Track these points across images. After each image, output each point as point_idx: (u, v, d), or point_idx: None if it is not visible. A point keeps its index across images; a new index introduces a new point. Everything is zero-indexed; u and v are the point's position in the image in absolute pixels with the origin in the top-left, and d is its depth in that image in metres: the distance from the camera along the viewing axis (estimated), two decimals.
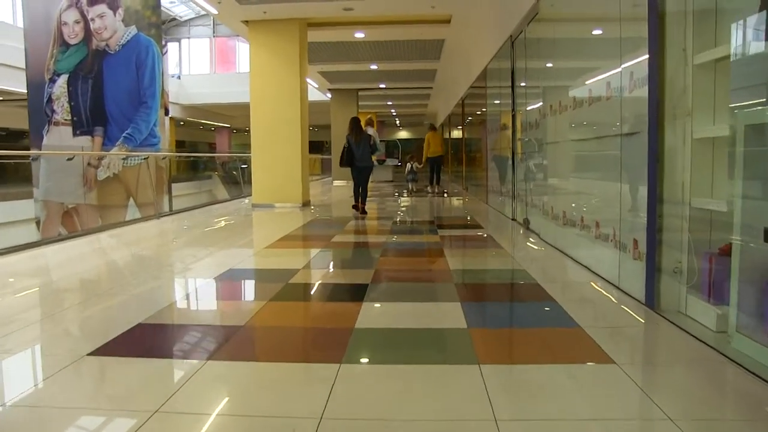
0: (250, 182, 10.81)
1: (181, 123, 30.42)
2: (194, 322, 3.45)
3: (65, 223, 11.27)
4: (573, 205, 5.17)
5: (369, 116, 11.73)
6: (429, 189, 14.56)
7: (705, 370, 2.46)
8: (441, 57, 13.99)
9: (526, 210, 6.92)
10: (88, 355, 2.61)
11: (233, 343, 2.87)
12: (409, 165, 17.14)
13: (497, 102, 9.26)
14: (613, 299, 3.62)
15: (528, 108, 6.87)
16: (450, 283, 4.18)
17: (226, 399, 2.24)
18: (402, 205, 11.53)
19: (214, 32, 30.19)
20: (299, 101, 10.23)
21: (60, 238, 7.21)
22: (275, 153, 10.23)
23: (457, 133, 17.71)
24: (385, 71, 16.35)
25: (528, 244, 6.11)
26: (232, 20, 10.36)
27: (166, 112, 12.58)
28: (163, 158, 12.10)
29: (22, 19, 12.55)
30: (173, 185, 12.74)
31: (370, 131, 9.42)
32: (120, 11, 11.64)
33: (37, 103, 11.55)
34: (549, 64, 6.21)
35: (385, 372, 2.48)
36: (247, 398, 2.24)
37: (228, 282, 4.40)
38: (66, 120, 11.47)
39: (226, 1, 9.06)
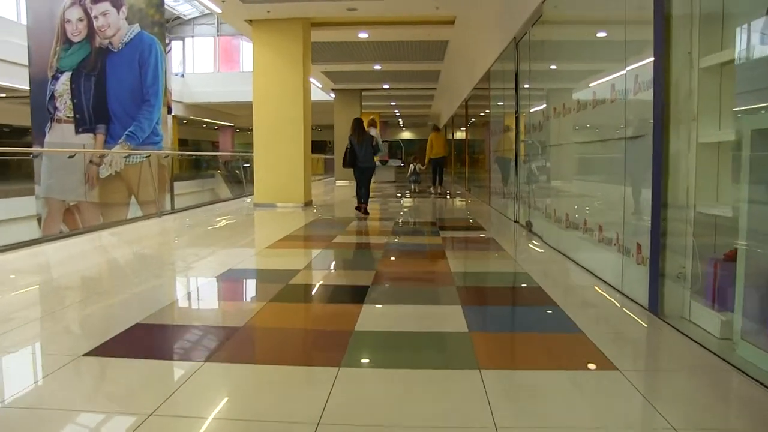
0: (252, 181, 10.79)
1: (184, 121, 30.43)
2: (193, 322, 3.43)
3: (67, 221, 11.27)
4: (576, 208, 5.14)
5: (372, 117, 11.72)
6: (432, 190, 14.53)
7: (709, 377, 2.43)
8: (445, 58, 13.96)
9: (529, 212, 6.89)
10: (85, 355, 2.59)
11: (231, 344, 2.84)
12: (412, 166, 17.11)
13: (501, 104, 9.23)
14: (616, 304, 3.58)
15: (531, 110, 6.85)
16: (451, 285, 4.15)
17: (223, 402, 2.21)
18: (404, 205, 11.51)
19: (218, 31, 30.20)
20: (302, 101, 10.21)
21: (61, 236, 7.21)
22: (278, 152, 10.21)
23: (460, 135, 17.69)
24: (389, 72, 16.32)
25: (530, 246, 6.08)
26: (236, 19, 10.34)
27: (169, 111, 12.58)
28: (165, 156, 12.10)
29: (26, 16, 12.56)
30: (176, 184, 12.75)
31: (373, 132, 9.39)
32: (123, 9, 11.65)
33: (40, 100, 11.56)
34: (553, 67, 6.18)
35: (385, 376, 2.45)
36: (244, 401, 2.22)
37: (228, 282, 4.38)
38: (68, 117, 11.48)
39: (230, 0, 9.04)
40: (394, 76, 17.34)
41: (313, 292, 4.14)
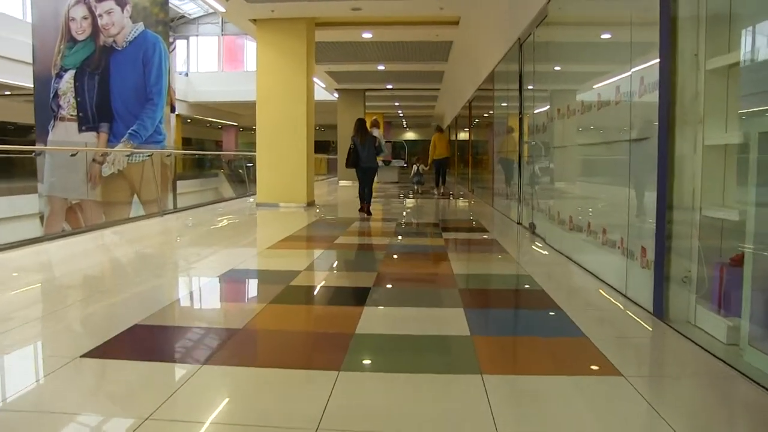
0: (255, 181, 10.78)
1: (188, 120, 30.45)
2: (192, 324, 3.40)
3: (69, 219, 11.27)
4: (580, 210, 5.10)
5: (374, 117, 11.69)
6: (435, 191, 14.50)
7: (716, 384, 2.39)
8: (449, 59, 13.92)
9: (532, 214, 6.85)
10: (82, 356, 2.56)
11: (230, 347, 2.81)
12: (415, 167, 17.09)
13: (504, 105, 9.19)
14: (620, 308, 3.54)
15: (535, 111, 6.81)
16: (454, 288, 4.11)
17: (220, 406, 2.18)
18: (407, 206, 11.47)
19: (222, 30, 30.22)
20: (306, 100, 10.18)
21: (63, 234, 7.20)
22: (281, 152, 10.18)
23: (463, 135, 17.65)
24: (393, 72, 16.30)
25: (533, 248, 6.04)
26: (240, 18, 10.32)
27: (173, 110, 12.57)
28: (168, 155, 12.09)
29: (31, 14, 12.57)
30: (179, 182, 12.75)
31: (376, 133, 9.38)
32: (128, 8, 11.65)
33: (44, 98, 11.56)
34: (557, 68, 6.14)
35: (385, 381, 2.42)
36: (242, 405, 2.18)
37: (228, 283, 4.35)
38: (72, 116, 11.48)
39: None
40: (397, 77, 17.31)
41: (314, 294, 4.10)
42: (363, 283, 4.22)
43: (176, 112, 16.94)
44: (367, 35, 11.57)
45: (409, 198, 13.43)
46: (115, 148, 11.49)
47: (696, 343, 2.77)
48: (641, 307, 3.40)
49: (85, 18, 11.54)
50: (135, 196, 11.42)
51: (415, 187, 16.28)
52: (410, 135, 40.77)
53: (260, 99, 10.33)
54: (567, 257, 5.11)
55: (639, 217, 3.64)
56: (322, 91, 19.14)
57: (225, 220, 8.91)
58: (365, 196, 8.97)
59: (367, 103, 20.73)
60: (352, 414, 2.09)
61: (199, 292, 4.19)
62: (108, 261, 5.53)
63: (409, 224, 8.43)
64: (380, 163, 10.41)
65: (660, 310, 3.16)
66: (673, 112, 3.12)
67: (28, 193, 12.06)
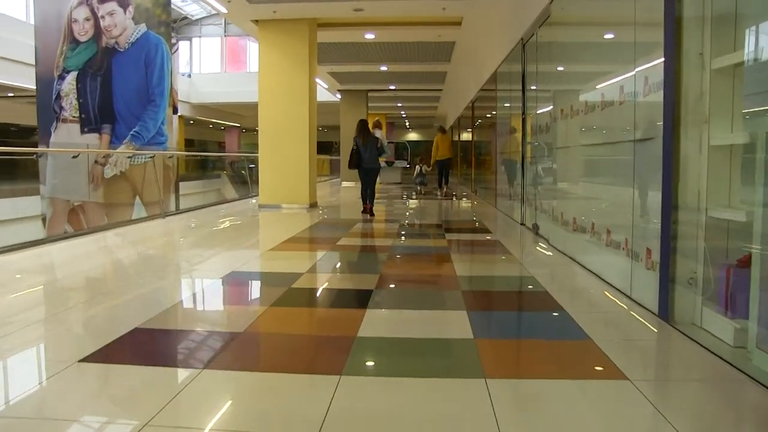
0: (258, 182, 10.77)
1: (191, 122, 30.49)
2: (193, 327, 3.37)
3: (71, 221, 11.27)
4: (583, 210, 5.06)
5: (377, 118, 11.67)
6: (437, 192, 14.47)
7: (723, 388, 2.35)
8: (451, 59, 13.90)
9: (536, 215, 6.82)
10: (80, 361, 2.53)
11: (230, 351, 2.78)
12: (417, 167, 17.06)
13: (507, 105, 9.16)
14: (625, 310, 3.50)
15: (538, 112, 6.77)
16: (457, 289, 4.08)
17: (220, 412, 2.15)
18: (410, 207, 11.44)
19: (225, 31, 30.26)
20: (308, 101, 10.17)
21: (66, 236, 7.19)
22: (283, 153, 10.17)
23: (466, 136, 17.60)
24: (395, 73, 16.28)
25: (537, 250, 6.01)
26: (242, 19, 10.32)
27: (175, 111, 12.55)
28: (170, 157, 12.08)
29: (33, 15, 12.58)
30: (181, 184, 12.73)
31: (378, 134, 9.37)
32: (130, 9, 11.64)
33: (46, 99, 11.56)
34: (560, 68, 6.10)
35: (387, 385, 2.39)
36: (242, 411, 2.16)
37: (230, 285, 4.33)
38: (74, 117, 11.47)
39: (236, 0, 9.01)
40: (400, 77, 17.30)
41: (316, 296, 4.08)
42: (365, 286, 4.19)
43: (179, 114, 16.91)
44: (369, 36, 11.56)
45: (411, 199, 13.40)
46: (118, 150, 11.49)
47: (702, 346, 2.73)
48: (646, 309, 3.37)
49: (87, 19, 11.53)
50: (137, 197, 11.41)
51: (418, 188, 16.26)
52: (413, 136, 40.73)
53: (263, 100, 10.32)
54: (571, 258, 5.07)
55: (644, 217, 3.60)
56: (325, 92, 19.14)
57: (227, 222, 8.90)
58: (368, 197, 8.95)
59: (369, 104, 20.73)
60: (354, 418, 2.07)
61: (200, 294, 4.16)
62: (110, 263, 5.51)
63: (412, 225, 8.40)
64: (383, 164, 10.39)
65: (665, 312, 3.13)
66: (678, 112, 3.08)
67: (31, 195, 12.06)
